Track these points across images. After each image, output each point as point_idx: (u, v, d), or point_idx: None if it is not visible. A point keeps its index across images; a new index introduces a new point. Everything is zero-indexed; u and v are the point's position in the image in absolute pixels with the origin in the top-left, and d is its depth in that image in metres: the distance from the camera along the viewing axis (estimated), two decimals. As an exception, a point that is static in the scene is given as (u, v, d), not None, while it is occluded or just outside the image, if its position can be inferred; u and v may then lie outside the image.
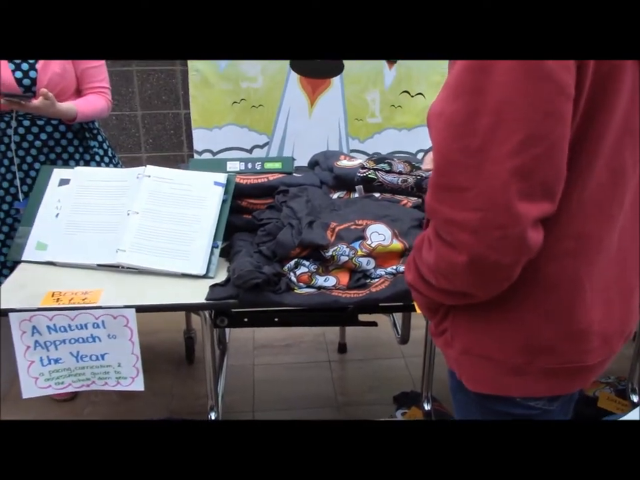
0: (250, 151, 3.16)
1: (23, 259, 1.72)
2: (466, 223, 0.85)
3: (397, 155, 3.16)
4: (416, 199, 1.75)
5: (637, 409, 1.34)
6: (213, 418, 1.85)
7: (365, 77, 3.11)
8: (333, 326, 2.40)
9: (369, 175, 1.39)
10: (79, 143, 2.14)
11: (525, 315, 0.99)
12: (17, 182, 2.07)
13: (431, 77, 3.15)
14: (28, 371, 1.55)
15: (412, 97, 3.17)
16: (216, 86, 3.01)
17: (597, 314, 1.00)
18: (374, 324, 2.00)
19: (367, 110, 3.17)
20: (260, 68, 3.02)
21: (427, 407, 1.85)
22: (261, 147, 3.18)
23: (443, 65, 2.92)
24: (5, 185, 2.10)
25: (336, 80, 3.11)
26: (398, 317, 2.44)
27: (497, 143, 0.82)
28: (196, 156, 3.09)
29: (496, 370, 1.03)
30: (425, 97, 3.17)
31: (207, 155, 3.11)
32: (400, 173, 1.36)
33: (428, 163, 1.41)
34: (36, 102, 1.87)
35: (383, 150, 3.23)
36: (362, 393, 2.46)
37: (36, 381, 1.56)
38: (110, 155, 2.26)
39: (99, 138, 2.22)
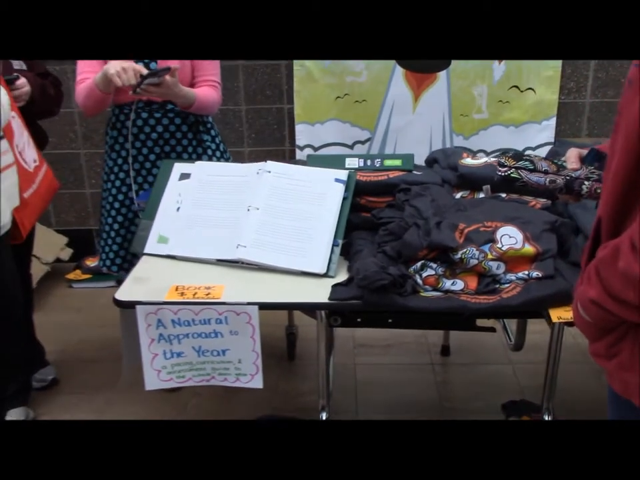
0: (351, 147, 3.13)
1: (145, 251, 1.74)
2: None
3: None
4: (545, 200, 1.66)
5: None
6: (324, 418, 1.82)
7: (472, 71, 3.00)
8: (449, 330, 2.33)
9: (512, 174, 1.31)
10: (193, 136, 2.16)
11: None
12: (132, 173, 2.11)
13: (543, 71, 3.01)
14: (152, 363, 1.56)
15: (521, 92, 3.04)
16: (320, 81, 2.99)
17: None
18: (492, 330, 1.92)
19: (473, 105, 3.07)
20: (365, 63, 2.97)
21: (547, 418, 1.75)
22: (363, 142, 3.13)
23: (559, 58, 2.79)
24: (122, 175, 2.14)
25: (442, 74, 3.02)
26: (509, 321, 2.35)
27: None
28: (297, 151, 3.08)
29: None
30: (535, 92, 3.04)
31: (309, 150, 3.10)
32: (546, 172, 1.28)
33: (573, 162, 1.31)
34: (168, 78, 1.89)
35: (489, 147, 3.12)
36: (467, 400, 2.38)
37: (158, 374, 1.58)
38: (222, 149, 2.27)
39: (212, 132, 2.23)
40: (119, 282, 1.76)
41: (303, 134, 3.08)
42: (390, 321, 1.85)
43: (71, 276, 3.26)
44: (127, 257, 2.21)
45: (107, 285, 3.18)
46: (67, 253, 3.28)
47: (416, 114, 3.09)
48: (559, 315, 1.42)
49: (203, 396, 2.41)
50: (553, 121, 3.07)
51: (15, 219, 1.90)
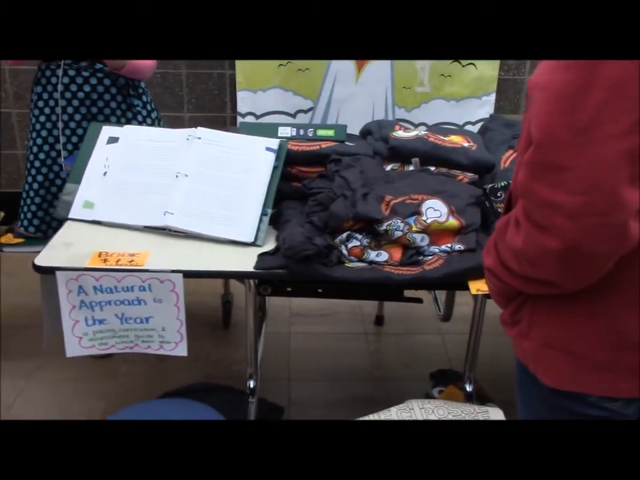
0: (294, 116, 3.10)
1: (69, 216, 1.69)
2: (564, 206, 0.79)
3: (445, 126, 3.08)
4: (473, 174, 1.69)
5: None
6: (251, 386, 1.83)
7: (415, 44, 3.00)
8: (377, 300, 2.36)
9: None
10: (122, 99, 2.10)
11: (613, 309, 0.92)
12: (58, 132, 2.06)
13: (484, 46, 3.03)
14: (72, 330, 1.54)
15: (463, 66, 3.06)
16: (263, 47, 2.94)
17: None
18: (419, 301, 1.95)
19: (415, 78, 3.08)
20: (308, 30, 2.94)
21: (468, 388, 1.81)
22: (305, 111, 3.11)
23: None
24: (44, 134, 2.09)
25: (385, 46, 3.01)
26: (440, 292, 2.40)
27: (608, 122, 0.76)
28: (239, 118, 3.04)
29: (577, 365, 0.98)
30: (476, 67, 3.06)
31: (250, 118, 3.06)
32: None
33: None
34: None
35: (430, 120, 3.14)
36: (398, 368, 2.43)
37: (80, 341, 1.55)
38: (153, 117, 2.22)
39: (144, 98, 2.18)
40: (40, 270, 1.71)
41: (245, 101, 3.04)
42: (319, 290, 1.87)
43: (1, 240, 3.16)
44: (45, 219, 2.16)
45: (40, 249, 3.09)
46: (-3, 216, 3.18)
47: (359, 85, 3.08)
48: (478, 287, 1.45)
49: (133, 363, 2.39)
50: (493, 97, 3.11)
51: None
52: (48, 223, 2.18)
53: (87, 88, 2.03)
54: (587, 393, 0.98)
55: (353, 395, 2.24)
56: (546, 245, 0.83)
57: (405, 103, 3.12)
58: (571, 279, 0.88)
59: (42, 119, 2.07)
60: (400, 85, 3.08)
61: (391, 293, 1.91)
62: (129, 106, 2.11)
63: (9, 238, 3.16)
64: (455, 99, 3.13)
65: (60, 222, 1.74)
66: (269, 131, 1.78)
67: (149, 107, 2.19)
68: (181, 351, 1.57)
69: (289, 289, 1.86)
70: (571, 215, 0.79)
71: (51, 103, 2.05)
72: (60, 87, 2.02)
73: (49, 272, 1.49)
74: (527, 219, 0.86)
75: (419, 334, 2.63)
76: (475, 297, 1.70)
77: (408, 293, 1.79)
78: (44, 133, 2.08)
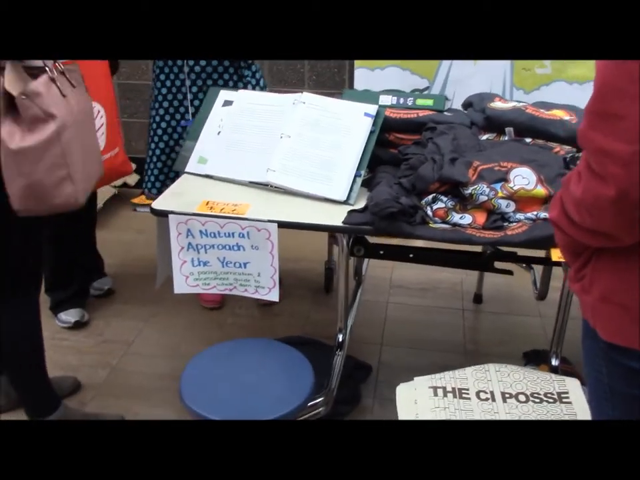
0: (409, 95, 3.15)
1: (185, 170, 1.88)
2: (618, 154, 0.82)
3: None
4: (570, 147, 1.68)
5: None
6: (340, 339, 1.94)
7: (538, 24, 2.94)
8: (467, 269, 2.37)
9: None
10: (234, 71, 2.26)
11: None
12: (187, 102, 2.26)
13: (613, 27, 2.92)
14: (181, 269, 1.72)
15: (589, 48, 2.96)
16: (383, 26, 3.01)
17: None
18: (510, 272, 1.97)
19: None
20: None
21: (554, 362, 1.81)
22: (421, 91, 3.14)
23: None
24: (165, 104, 2.31)
25: (507, 26, 2.98)
26: (539, 274, 2.38)
27: None
28: (356, 95, 3.14)
29: (632, 320, 0.99)
30: (603, 49, 2.95)
31: (367, 96, 3.15)
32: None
33: None
34: None
35: (549, 103, 3.07)
36: (491, 345, 2.44)
37: (186, 279, 1.73)
38: (262, 85, 2.36)
39: (253, 68, 2.33)
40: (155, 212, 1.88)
41: (362, 79, 3.13)
42: (411, 255, 1.94)
43: (135, 200, 3.49)
44: (166, 182, 2.37)
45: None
46: (133, 179, 3.50)
47: (477, 65, 3.07)
48: (560, 255, 1.46)
49: (239, 316, 2.58)
50: (619, 80, 2.98)
51: None
52: (173, 179, 2.40)
53: (202, 62, 2.21)
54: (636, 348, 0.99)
55: (442, 363, 2.28)
56: (601, 192, 0.86)
57: (523, 84, 3.08)
58: (624, 229, 0.90)
59: (163, 91, 2.29)
60: (520, 66, 3.03)
61: (482, 262, 1.95)
62: (240, 77, 2.27)
63: (141, 199, 3.47)
64: (578, 82, 3.04)
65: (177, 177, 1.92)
66: (370, 98, 1.87)
67: (257, 76, 2.34)
68: (274, 296, 1.70)
69: (382, 252, 1.95)
70: (624, 163, 0.82)
71: (172, 76, 2.26)
72: (179, 62, 2.21)
73: (162, 215, 1.67)
74: (586, 168, 0.89)
75: (517, 315, 2.61)
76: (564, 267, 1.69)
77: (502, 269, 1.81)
78: (165, 104, 2.30)
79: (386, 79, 3.14)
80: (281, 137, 1.79)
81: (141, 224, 3.34)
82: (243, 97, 1.93)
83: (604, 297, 1.01)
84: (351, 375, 2.12)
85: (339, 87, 3.29)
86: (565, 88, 3.06)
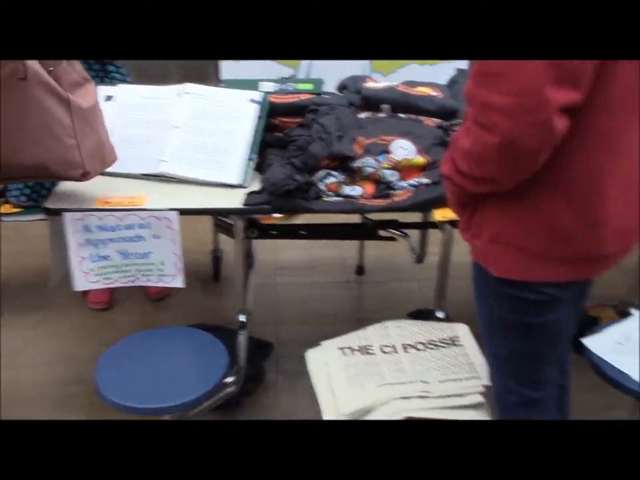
0: (275, 83, 3.25)
1: (72, 167, 1.85)
2: (501, 106, 0.97)
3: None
4: (440, 120, 1.86)
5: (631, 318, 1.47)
6: (241, 319, 2.01)
7: (389, 11, 3.15)
8: (354, 239, 2.50)
9: None
10: (99, 67, 2.20)
11: (547, 204, 1.10)
12: None
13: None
14: (80, 266, 1.70)
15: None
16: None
17: (615, 208, 1.11)
18: (392, 239, 2.14)
19: (390, 44, 3.23)
20: None
21: (440, 315, 1.99)
22: (287, 79, 3.25)
23: None
24: None
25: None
26: (415, 241, 2.58)
27: None
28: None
29: (519, 257, 1.16)
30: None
31: (234, 86, 3.20)
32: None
33: None
34: None
35: (405, 85, 3.30)
36: (377, 311, 2.61)
37: (87, 276, 1.72)
38: (128, 80, 2.32)
39: (116, 63, 2.28)
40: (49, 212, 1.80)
41: (228, 69, 3.19)
42: (302, 232, 2.05)
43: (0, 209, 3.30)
44: (35, 187, 2.23)
45: (35, 217, 3.23)
46: (-5, 187, 3.31)
47: (336, 52, 3.23)
48: (443, 215, 1.63)
49: (131, 314, 2.56)
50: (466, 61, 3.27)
51: None
52: (38, 192, 2.26)
53: None
54: (527, 280, 1.17)
55: (336, 334, 2.42)
56: (488, 141, 1.01)
57: (381, 68, 3.28)
58: (508, 173, 1.06)
59: None
60: (376, 51, 3.23)
61: (367, 232, 2.10)
62: (105, 73, 2.21)
63: (6, 208, 3.29)
64: (430, 64, 3.29)
65: (50, 189, 1.82)
66: (251, 86, 1.94)
67: (122, 71, 2.29)
68: (179, 282, 1.74)
69: (274, 232, 2.04)
70: (505, 114, 0.97)
71: None
72: None
73: (57, 213, 1.65)
74: (473, 122, 1.04)
75: (398, 281, 2.81)
76: (443, 228, 1.87)
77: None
78: None
79: (251, 68, 3.20)
80: (170, 128, 1.82)
81: (9, 233, 3.17)
82: (125, 91, 1.93)
83: (492, 239, 1.18)
84: (253, 353, 2.19)
85: (204, 78, 3.31)
86: (417, 69, 3.30)
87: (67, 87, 1.49)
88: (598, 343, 1.73)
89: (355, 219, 2.18)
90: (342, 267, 2.91)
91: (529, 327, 1.23)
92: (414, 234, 2.51)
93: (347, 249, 2.97)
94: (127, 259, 1.71)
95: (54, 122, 1.46)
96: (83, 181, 1.55)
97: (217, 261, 2.80)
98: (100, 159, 1.58)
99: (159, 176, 1.79)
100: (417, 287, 2.76)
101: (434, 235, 2.15)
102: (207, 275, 2.83)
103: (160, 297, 2.66)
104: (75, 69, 1.51)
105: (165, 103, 1.88)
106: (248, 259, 2.58)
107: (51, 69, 1.45)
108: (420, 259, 2.38)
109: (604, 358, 1.68)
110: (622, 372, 1.64)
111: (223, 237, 2.63)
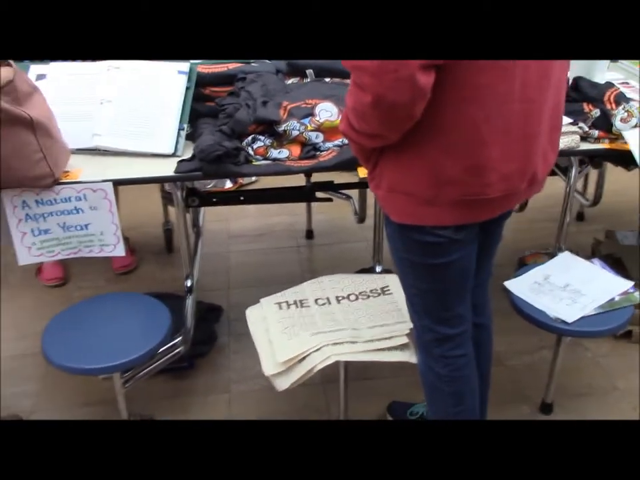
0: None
1: (8, 146, 1.89)
2: (366, 67, 1.06)
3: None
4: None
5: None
6: (188, 284, 2.09)
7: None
8: (292, 202, 2.57)
9: None
10: None
11: (429, 152, 1.20)
12: None
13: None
14: (22, 241, 1.76)
15: None
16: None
17: (495, 153, 1.20)
18: (329, 200, 2.23)
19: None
20: None
21: (378, 269, 2.10)
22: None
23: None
24: None
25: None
26: (354, 199, 2.67)
27: None
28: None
29: (412, 203, 1.26)
30: None
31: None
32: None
33: None
34: None
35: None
36: (326, 272, 2.69)
37: (29, 250, 1.78)
38: None
39: None
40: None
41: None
42: (242, 198, 2.13)
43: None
44: None
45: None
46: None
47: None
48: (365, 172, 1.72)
49: (86, 289, 2.63)
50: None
51: None
52: None
53: None
54: (422, 225, 1.27)
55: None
56: (363, 99, 1.10)
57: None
58: (388, 127, 1.15)
59: None
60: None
61: (304, 195, 2.18)
62: None
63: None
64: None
65: None
66: (181, 57, 1.99)
67: None
68: (120, 251, 1.81)
69: (215, 200, 2.11)
70: (372, 74, 1.06)
71: None
72: None
73: (-7, 190, 1.70)
74: (352, 83, 1.13)
75: (345, 242, 2.91)
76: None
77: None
78: None
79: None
80: (101, 103, 1.87)
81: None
82: (56, 69, 1.97)
83: (390, 188, 1.27)
84: (205, 317, 2.28)
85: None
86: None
87: (23, 99, 1.57)
88: (518, 285, 1.85)
89: (301, 182, 2.25)
90: (292, 232, 3.01)
91: (432, 267, 1.33)
92: (356, 195, 2.60)
93: (296, 215, 3.06)
94: (68, 232, 1.77)
95: (23, 146, 1.58)
96: (52, 187, 1.68)
97: (169, 233, 2.87)
98: (63, 161, 1.72)
99: (94, 150, 1.85)
100: (364, 247, 2.86)
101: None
102: (160, 247, 2.90)
103: (124, 271, 2.73)
104: (24, 79, 1.59)
105: (95, 78, 1.92)
106: (195, 227, 2.66)
107: (10, 79, 1.53)
108: (361, 219, 2.47)
109: (522, 298, 1.80)
110: (540, 310, 1.77)
111: (174, 211, 2.70)
